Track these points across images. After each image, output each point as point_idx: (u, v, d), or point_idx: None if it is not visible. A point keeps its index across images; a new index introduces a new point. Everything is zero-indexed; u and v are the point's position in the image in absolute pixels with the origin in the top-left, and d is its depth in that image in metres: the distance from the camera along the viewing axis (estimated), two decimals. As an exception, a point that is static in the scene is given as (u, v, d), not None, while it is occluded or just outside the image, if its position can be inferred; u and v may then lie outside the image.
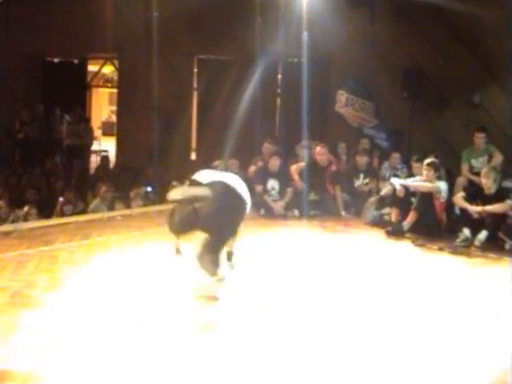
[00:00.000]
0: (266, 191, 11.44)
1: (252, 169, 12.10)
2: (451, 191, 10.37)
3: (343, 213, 11.59)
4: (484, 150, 11.39)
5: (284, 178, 11.59)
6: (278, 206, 11.30)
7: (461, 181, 11.34)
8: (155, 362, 4.84)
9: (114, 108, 22.10)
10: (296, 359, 5.00)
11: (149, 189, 13.17)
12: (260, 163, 12.17)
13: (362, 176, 11.94)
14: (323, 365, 4.94)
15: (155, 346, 5.12)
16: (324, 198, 11.74)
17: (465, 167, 11.49)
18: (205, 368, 4.76)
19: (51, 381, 4.48)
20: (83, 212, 11.87)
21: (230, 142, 13.53)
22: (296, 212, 11.34)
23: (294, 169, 11.73)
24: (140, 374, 4.64)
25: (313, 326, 5.78)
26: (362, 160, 12.02)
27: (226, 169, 12.18)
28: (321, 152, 11.85)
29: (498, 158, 11.22)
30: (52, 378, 4.51)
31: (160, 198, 13.03)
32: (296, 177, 11.63)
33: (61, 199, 11.80)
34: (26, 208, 11.11)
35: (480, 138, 11.39)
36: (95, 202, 12.11)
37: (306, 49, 14.06)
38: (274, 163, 11.55)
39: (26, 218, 10.85)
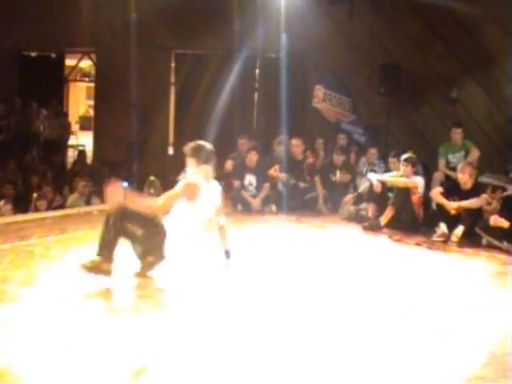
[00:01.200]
0: (243, 187, 11.44)
1: (229, 164, 12.10)
2: (428, 186, 10.40)
3: (321, 201, 11.60)
4: (461, 146, 11.46)
5: (261, 173, 11.57)
6: (256, 202, 11.30)
7: (437, 176, 11.40)
8: (132, 355, 4.82)
9: (92, 102, 22.05)
10: (281, 354, 4.99)
11: (124, 184, 13.10)
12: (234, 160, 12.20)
13: (338, 172, 11.94)
14: (308, 358, 4.93)
15: (132, 339, 5.10)
16: (311, 185, 11.80)
17: (441, 162, 11.55)
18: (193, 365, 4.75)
19: (27, 376, 4.45)
20: (61, 207, 11.83)
21: (207, 137, 13.51)
22: (273, 207, 11.35)
23: (272, 172, 11.69)
24: (116, 367, 4.62)
25: (293, 320, 5.76)
26: (339, 158, 12.03)
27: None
28: (296, 144, 11.85)
29: (475, 154, 11.29)
30: (27, 373, 4.48)
31: (137, 192, 13.00)
32: (276, 174, 11.62)
33: (35, 195, 11.73)
34: (0, 203, 11.03)
35: (457, 134, 11.45)
36: (73, 197, 12.05)
37: (284, 44, 14.08)
38: (252, 158, 11.54)
39: (1, 213, 10.77)
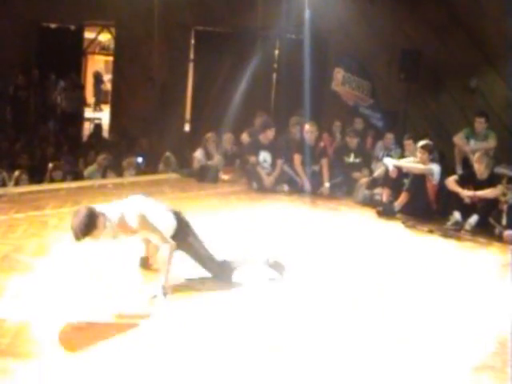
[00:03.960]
0: (258, 163, 11.40)
1: (244, 136, 12.10)
2: (444, 174, 10.36)
3: (327, 184, 11.47)
4: (484, 135, 11.38)
5: (275, 150, 11.52)
6: (269, 180, 11.27)
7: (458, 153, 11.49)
8: (141, 339, 4.85)
9: (110, 76, 22.05)
10: (291, 340, 5.02)
11: (139, 159, 13.13)
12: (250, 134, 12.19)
13: (352, 155, 11.87)
14: (313, 346, 4.95)
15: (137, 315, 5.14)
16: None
17: (462, 138, 11.50)
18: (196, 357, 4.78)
19: (36, 344, 4.50)
20: (76, 178, 11.86)
21: (224, 115, 13.52)
22: (285, 187, 11.31)
23: (297, 163, 11.63)
24: (121, 348, 4.66)
25: (304, 305, 5.78)
26: (353, 141, 11.94)
27: (220, 142, 12.26)
28: (309, 129, 11.75)
29: (491, 144, 11.22)
30: (37, 342, 4.53)
31: (152, 168, 13.05)
32: (299, 169, 11.57)
33: (50, 165, 11.75)
34: (16, 172, 11.06)
35: (480, 123, 11.38)
36: (91, 169, 12.10)
37: (305, 25, 14.02)
38: (267, 135, 11.46)
39: (16, 183, 10.81)
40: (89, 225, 5.07)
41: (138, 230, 5.60)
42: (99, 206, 5.34)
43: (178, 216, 5.97)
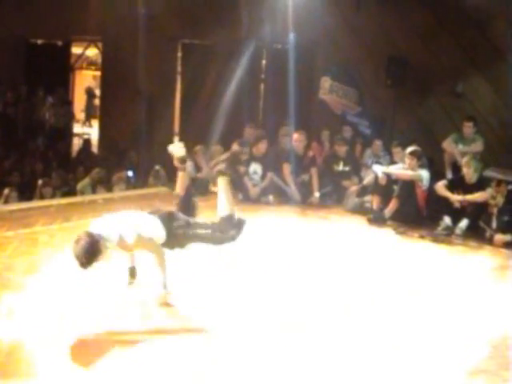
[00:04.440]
0: (247, 174, 11.42)
1: (235, 147, 12.10)
2: (433, 179, 10.39)
3: (317, 194, 11.52)
4: (471, 140, 11.40)
5: (267, 162, 11.54)
6: (254, 190, 11.29)
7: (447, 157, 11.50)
8: (134, 348, 4.84)
9: (98, 91, 22.04)
10: (285, 348, 5.02)
11: (130, 173, 13.13)
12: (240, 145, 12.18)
13: (341, 163, 11.91)
14: (309, 352, 4.95)
15: (134, 329, 5.13)
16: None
17: (450, 143, 11.52)
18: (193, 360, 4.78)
19: (30, 363, 4.48)
20: (68, 194, 11.86)
21: (213, 127, 13.53)
22: (270, 198, 11.31)
23: (286, 172, 11.63)
24: (116, 357, 4.65)
25: (296, 313, 5.78)
26: (341, 149, 11.98)
27: (209, 154, 12.26)
28: (298, 139, 11.80)
29: (477, 147, 11.24)
30: (31, 361, 4.51)
31: (142, 182, 13.04)
32: (289, 178, 11.57)
33: (40, 181, 11.74)
34: (6, 190, 11.05)
35: (468, 127, 11.42)
36: (84, 182, 12.11)
37: (291, 35, 14.05)
38: (260, 148, 11.52)
39: (6, 201, 10.80)
40: (93, 252, 5.11)
41: (137, 247, 5.70)
42: (95, 227, 5.36)
43: (163, 219, 5.95)
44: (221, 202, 6.37)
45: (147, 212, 6.06)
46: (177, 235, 5.94)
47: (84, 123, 25.59)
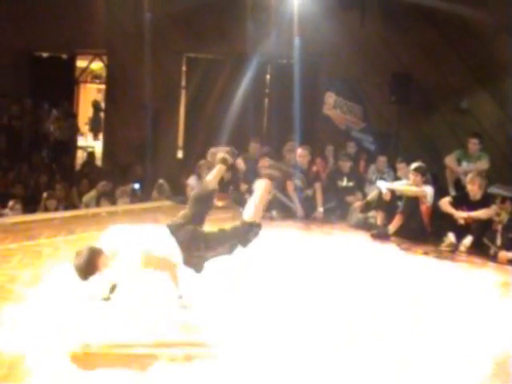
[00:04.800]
0: (249, 191, 11.39)
1: (240, 162, 12.06)
2: (437, 196, 10.38)
3: (321, 209, 11.50)
4: (477, 157, 11.39)
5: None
6: (257, 206, 11.26)
7: (449, 174, 11.50)
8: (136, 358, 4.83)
9: (102, 104, 22.07)
10: (289, 361, 5.00)
11: (136, 186, 13.15)
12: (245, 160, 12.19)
13: (345, 179, 11.90)
14: (314, 368, 4.93)
15: (138, 342, 5.11)
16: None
17: (452, 158, 11.51)
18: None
19: (32, 375, 4.46)
20: (71, 207, 11.88)
21: (217, 142, 13.53)
22: (274, 213, 11.28)
23: (290, 189, 11.61)
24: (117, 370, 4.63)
25: (299, 328, 5.76)
26: (346, 165, 11.97)
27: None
28: (302, 154, 11.79)
29: (483, 165, 11.23)
30: (33, 373, 4.49)
31: (146, 195, 13.04)
32: (293, 194, 11.57)
33: (44, 194, 11.76)
34: (10, 203, 11.06)
35: (473, 144, 11.41)
36: (90, 195, 12.14)
37: (296, 50, 14.08)
38: (265, 164, 11.47)
39: (10, 213, 10.80)
40: (88, 269, 5.10)
41: (146, 267, 5.48)
42: (104, 240, 5.36)
43: (174, 233, 5.72)
44: (251, 205, 6.34)
45: (167, 224, 5.87)
46: (193, 252, 5.74)
47: (92, 136, 25.69)
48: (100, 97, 26.47)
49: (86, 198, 12.16)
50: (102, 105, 24.89)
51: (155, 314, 5.69)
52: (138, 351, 4.97)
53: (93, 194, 12.18)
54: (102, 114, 25.11)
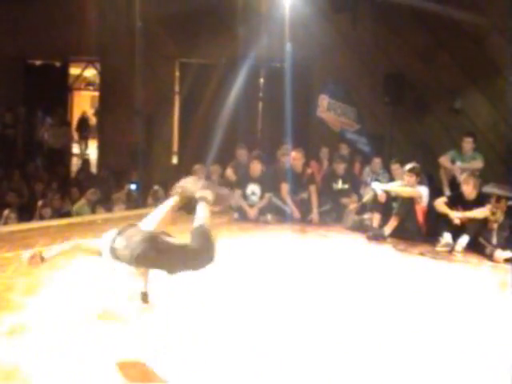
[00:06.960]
0: (244, 196, 11.40)
1: (229, 172, 12.09)
2: (432, 196, 10.39)
3: (316, 211, 11.47)
4: (471, 157, 11.40)
5: (265, 182, 11.51)
6: (252, 211, 11.26)
7: (444, 174, 11.47)
8: (137, 364, 4.82)
9: (91, 114, 22.12)
10: (284, 370, 4.99)
11: (133, 186, 13.13)
12: (234, 168, 12.20)
13: (340, 181, 11.89)
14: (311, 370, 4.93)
15: (136, 349, 5.10)
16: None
17: (446, 158, 11.50)
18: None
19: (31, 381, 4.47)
20: (67, 215, 11.86)
21: (211, 147, 13.53)
22: (268, 217, 11.28)
23: (284, 192, 11.62)
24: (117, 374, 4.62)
25: (297, 332, 5.75)
26: (340, 167, 11.94)
27: (208, 174, 12.24)
28: (296, 157, 11.77)
29: (477, 164, 11.24)
30: (30, 383, 4.49)
31: (141, 201, 13.03)
32: (287, 198, 11.56)
33: (40, 202, 11.75)
34: (5, 212, 11.04)
35: (467, 143, 11.41)
36: (80, 204, 12.10)
37: (288, 53, 14.09)
38: (255, 168, 11.46)
39: (5, 222, 10.79)
40: None
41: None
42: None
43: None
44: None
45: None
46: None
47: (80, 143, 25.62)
48: (89, 109, 26.42)
49: (76, 207, 12.13)
50: (91, 114, 24.88)
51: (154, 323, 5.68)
52: (136, 359, 4.97)
53: (82, 202, 12.15)
54: (89, 124, 25.08)
